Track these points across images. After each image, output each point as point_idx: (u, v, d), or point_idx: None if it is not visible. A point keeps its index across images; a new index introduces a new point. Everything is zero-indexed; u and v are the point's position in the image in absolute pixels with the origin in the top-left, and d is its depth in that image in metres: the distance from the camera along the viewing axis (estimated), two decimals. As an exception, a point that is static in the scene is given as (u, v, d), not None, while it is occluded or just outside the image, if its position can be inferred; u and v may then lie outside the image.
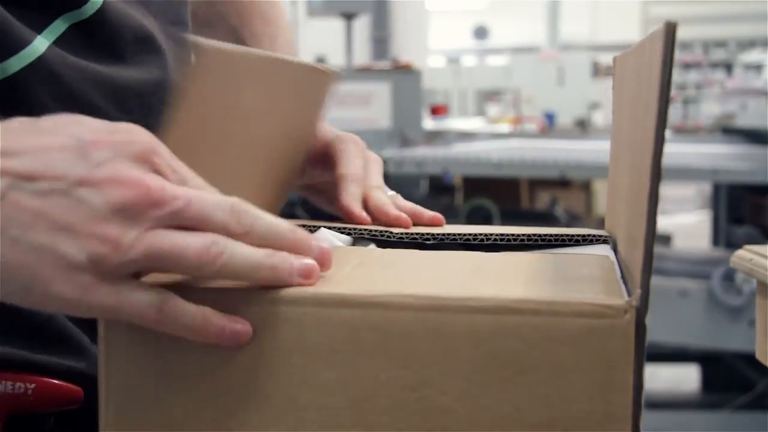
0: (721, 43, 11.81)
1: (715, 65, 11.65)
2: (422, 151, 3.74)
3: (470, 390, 0.40)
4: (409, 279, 0.45)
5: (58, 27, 0.53)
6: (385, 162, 2.66)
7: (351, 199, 0.60)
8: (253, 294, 0.41)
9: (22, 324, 0.53)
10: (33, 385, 0.52)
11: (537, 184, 4.16)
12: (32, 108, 0.49)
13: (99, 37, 0.55)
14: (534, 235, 0.54)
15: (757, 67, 9.27)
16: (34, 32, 0.52)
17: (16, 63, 0.51)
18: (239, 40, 0.75)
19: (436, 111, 5.32)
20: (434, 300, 0.40)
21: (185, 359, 0.42)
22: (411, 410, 0.41)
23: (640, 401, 0.40)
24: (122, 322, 0.40)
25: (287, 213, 0.56)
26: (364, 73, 4.44)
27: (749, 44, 11.38)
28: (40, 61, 0.51)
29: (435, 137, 4.38)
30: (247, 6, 0.77)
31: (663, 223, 7.00)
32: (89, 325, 0.54)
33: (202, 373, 0.42)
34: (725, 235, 3.47)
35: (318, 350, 0.41)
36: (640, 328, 0.39)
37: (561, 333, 0.39)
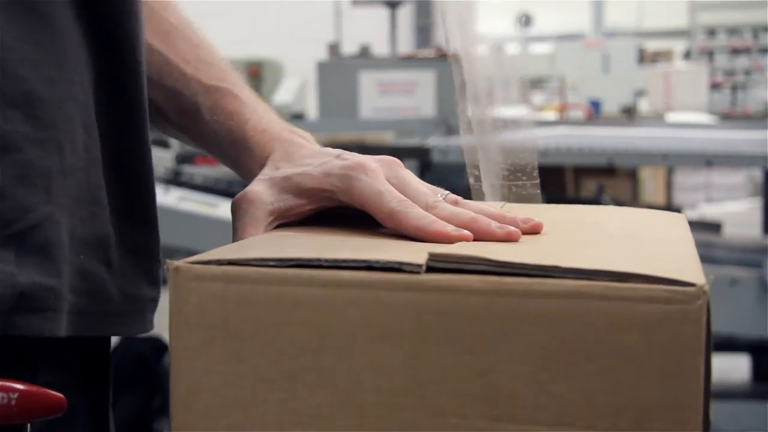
0: (770, 28, 11.56)
1: (764, 50, 11.41)
2: (467, 139, 3.71)
3: (537, 376, 0.40)
4: (485, 251, 0.44)
5: None
6: (430, 150, 2.69)
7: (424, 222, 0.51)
8: (321, 276, 0.42)
9: None
10: (16, 395, 0.49)
11: (582, 172, 4.12)
12: None
13: None
14: None
15: (809, 52, 9.06)
16: None
17: None
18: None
19: (481, 99, 5.28)
20: (501, 284, 0.40)
21: (253, 344, 0.42)
22: (477, 396, 0.40)
23: (709, 389, 0.39)
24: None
25: None
26: (409, 61, 4.43)
27: (800, 28, 11.12)
28: None
29: (480, 125, 4.35)
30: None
31: (713, 210, 6.90)
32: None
33: (270, 357, 0.42)
34: (776, 223, 3.41)
35: (384, 334, 0.41)
36: (710, 313, 0.39)
37: (630, 319, 0.39)
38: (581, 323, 0.39)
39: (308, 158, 0.58)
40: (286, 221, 0.56)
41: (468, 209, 0.53)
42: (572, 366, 0.39)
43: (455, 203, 0.54)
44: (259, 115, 0.63)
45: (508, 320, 0.40)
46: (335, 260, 0.42)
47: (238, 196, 0.56)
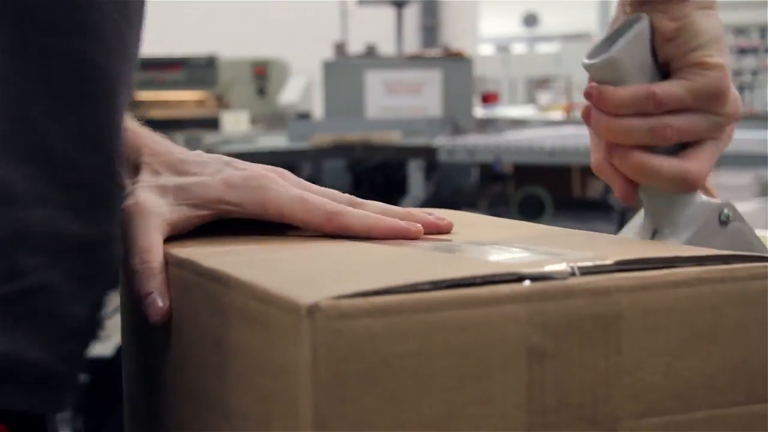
0: (777, 28, 11.53)
1: (771, 50, 11.37)
2: (474, 139, 3.72)
3: (673, 365, 0.41)
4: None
5: None
6: (436, 150, 2.70)
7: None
8: (478, 294, 0.39)
9: None
10: None
11: (589, 172, 4.10)
12: None
13: None
14: None
15: (816, 52, 9.03)
16: None
17: None
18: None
19: (487, 99, 5.29)
20: (640, 279, 0.40)
21: (415, 382, 0.37)
22: (625, 395, 0.40)
23: None
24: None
25: None
26: (415, 61, 4.43)
27: (807, 28, 11.08)
28: None
29: (486, 125, 4.35)
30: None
31: (719, 211, 6.86)
32: None
33: (433, 394, 0.38)
34: (785, 223, 3.39)
35: (538, 347, 0.39)
36: None
37: (742, 297, 0.41)
38: (705, 307, 0.41)
39: (195, 165, 0.53)
40: (179, 233, 0.51)
41: (367, 209, 0.52)
42: (699, 350, 0.41)
43: (352, 204, 0.52)
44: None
45: (648, 314, 0.41)
46: (483, 276, 0.38)
47: (127, 205, 0.50)
